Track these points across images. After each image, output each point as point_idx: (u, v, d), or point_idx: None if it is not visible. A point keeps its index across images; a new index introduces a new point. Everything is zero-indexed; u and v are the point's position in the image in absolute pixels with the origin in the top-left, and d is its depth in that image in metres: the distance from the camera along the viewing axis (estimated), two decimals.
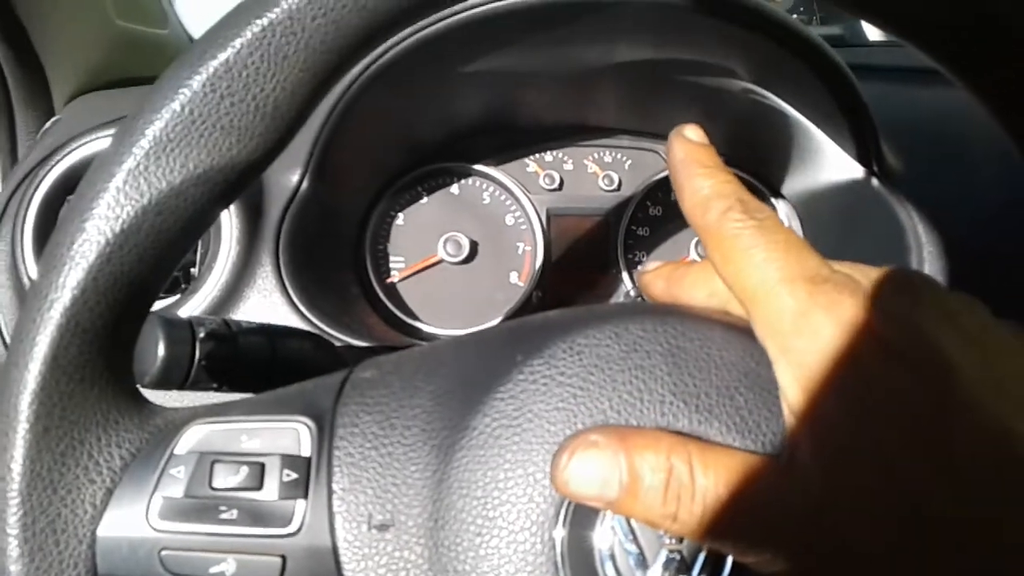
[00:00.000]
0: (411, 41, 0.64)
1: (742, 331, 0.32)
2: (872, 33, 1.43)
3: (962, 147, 0.73)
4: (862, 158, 0.69)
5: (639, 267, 0.36)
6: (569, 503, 0.30)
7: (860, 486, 0.26)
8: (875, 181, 0.69)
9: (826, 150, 0.72)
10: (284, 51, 0.31)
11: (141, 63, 0.88)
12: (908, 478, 0.26)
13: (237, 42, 0.31)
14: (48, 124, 0.81)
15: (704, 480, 0.27)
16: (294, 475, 0.32)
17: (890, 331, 0.27)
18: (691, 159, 0.34)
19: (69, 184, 0.69)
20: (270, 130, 0.32)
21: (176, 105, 0.31)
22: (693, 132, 0.35)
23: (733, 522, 0.27)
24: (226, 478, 0.32)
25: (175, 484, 0.32)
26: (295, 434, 0.33)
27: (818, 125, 0.71)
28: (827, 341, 0.27)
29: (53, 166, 0.69)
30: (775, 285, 0.29)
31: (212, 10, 1.02)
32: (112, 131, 0.69)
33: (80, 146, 0.70)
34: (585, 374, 0.32)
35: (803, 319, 0.28)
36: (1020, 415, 0.26)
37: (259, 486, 0.32)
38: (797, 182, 0.80)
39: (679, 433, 0.30)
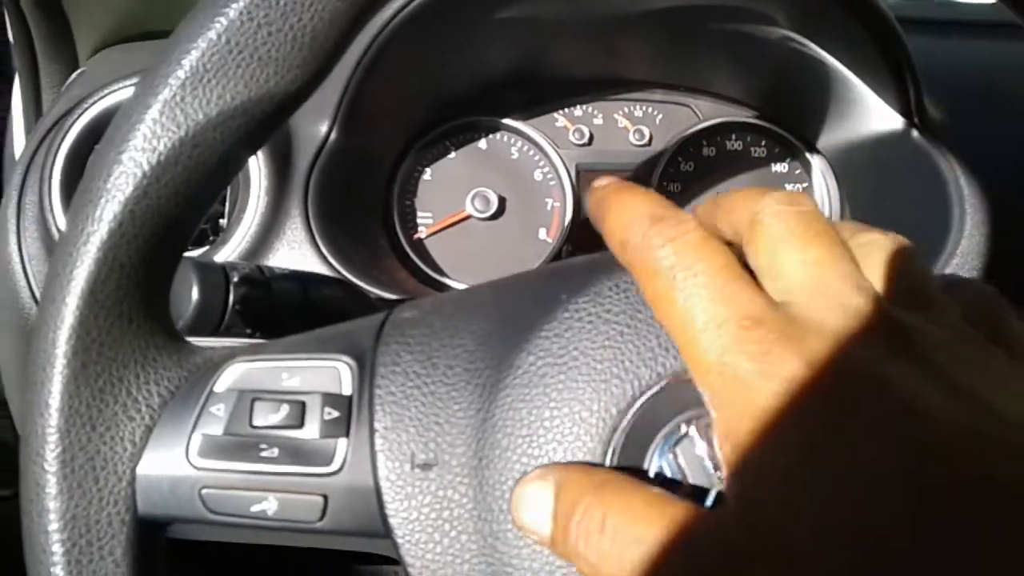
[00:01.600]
0: None
1: None
2: None
3: (1006, 100, 0.72)
4: (903, 109, 0.68)
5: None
6: (617, 441, 0.29)
7: (797, 537, 0.22)
8: (916, 133, 0.68)
9: (866, 101, 0.70)
10: None
11: (164, 17, 0.87)
12: (850, 533, 0.22)
13: None
14: (73, 76, 0.81)
15: (619, 524, 0.25)
16: (335, 413, 0.31)
17: (844, 384, 0.23)
18: (603, 197, 0.31)
19: (95, 134, 0.68)
20: (308, 61, 0.31)
21: (212, 34, 0.30)
22: (602, 180, 0.32)
23: (648, 567, 0.24)
24: (266, 416, 0.31)
25: (215, 422, 0.31)
26: (335, 372, 0.32)
27: (859, 75, 0.69)
28: (760, 398, 0.24)
29: (79, 117, 0.69)
30: (701, 329, 0.25)
31: None
32: (137, 81, 0.68)
33: (105, 96, 0.69)
34: (632, 311, 0.31)
35: (729, 370, 0.24)
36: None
37: (300, 424, 0.31)
38: (834, 135, 0.78)
39: (614, 473, 0.28)
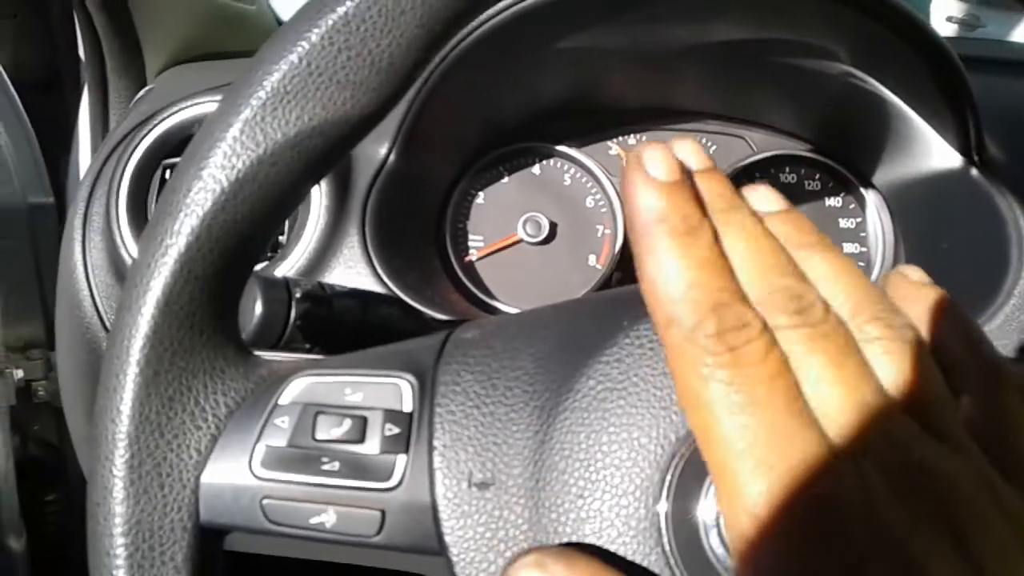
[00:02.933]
0: (503, 17, 0.64)
1: None
2: (942, 31, 1.41)
3: None
4: (963, 147, 0.67)
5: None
6: (675, 470, 0.29)
7: None
8: (975, 171, 0.67)
9: (925, 138, 0.69)
10: (402, 6, 0.31)
11: (229, 38, 0.90)
12: None
13: None
14: (141, 93, 0.83)
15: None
16: (396, 430, 0.32)
17: (865, 549, 0.21)
18: (651, 226, 0.25)
19: (163, 150, 0.70)
20: (384, 85, 0.32)
21: (294, 57, 0.31)
22: (658, 163, 0.26)
23: None
24: (329, 430, 0.32)
25: (279, 434, 0.32)
26: (397, 390, 0.33)
27: (918, 111, 0.69)
28: (785, 560, 0.22)
29: (147, 133, 0.70)
30: (744, 474, 0.22)
31: None
32: (202, 99, 0.70)
33: (173, 114, 0.71)
34: None
35: (764, 530, 0.22)
36: None
37: (361, 439, 0.32)
38: (890, 171, 0.77)
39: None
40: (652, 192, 0.25)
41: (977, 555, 0.21)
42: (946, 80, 0.62)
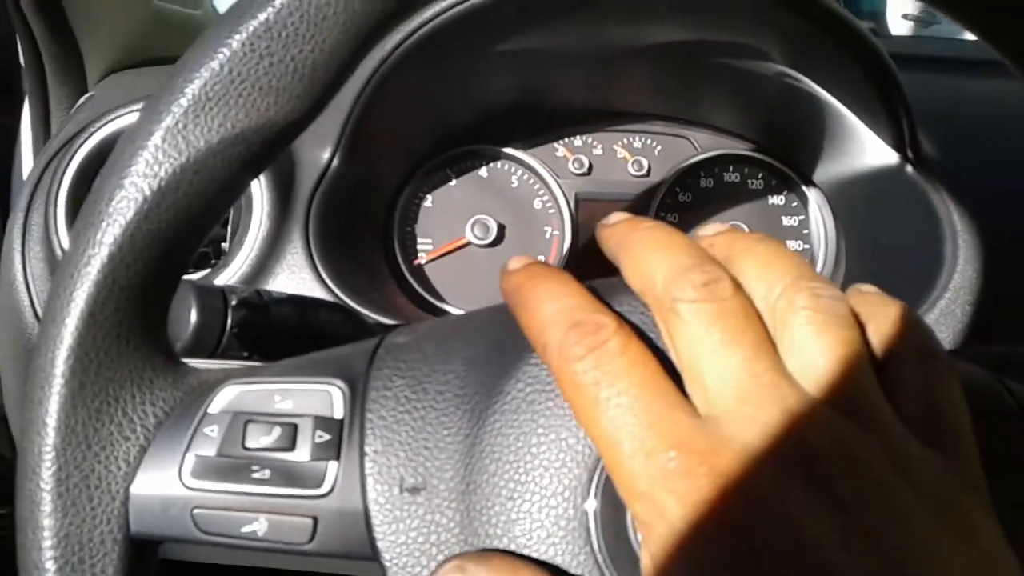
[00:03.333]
0: (444, 18, 0.64)
1: None
2: (900, 29, 1.43)
3: (999, 136, 0.72)
4: (897, 144, 0.68)
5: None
6: (603, 469, 0.30)
7: None
8: (910, 168, 0.69)
9: (861, 136, 0.71)
10: (324, 12, 0.31)
11: (173, 43, 0.89)
12: None
13: (277, 2, 0.31)
14: (82, 100, 0.82)
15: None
16: (326, 436, 0.32)
17: (750, 522, 0.23)
18: (517, 287, 0.30)
19: (102, 157, 0.69)
20: (308, 92, 0.32)
21: (215, 64, 0.31)
22: (516, 261, 0.32)
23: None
24: (259, 438, 0.32)
25: (208, 443, 0.32)
26: (328, 396, 0.33)
27: (853, 111, 0.70)
28: (676, 528, 0.23)
29: (86, 140, 0.70)
30: (627, 458, 0.25)
31: None
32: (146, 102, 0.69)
33: (112, 120, 0.70)
34: None
35: (657, 507, 0.24)
36: None
37: (292, 447, 0.32)
38: (830, 169, 0.79)
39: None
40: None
41: (873, 526, 0.23)
42: (878, 79, 0.63)
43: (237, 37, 0.31)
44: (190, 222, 0.32)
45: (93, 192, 0.32)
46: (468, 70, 0.74)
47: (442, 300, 0.82)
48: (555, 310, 0.28)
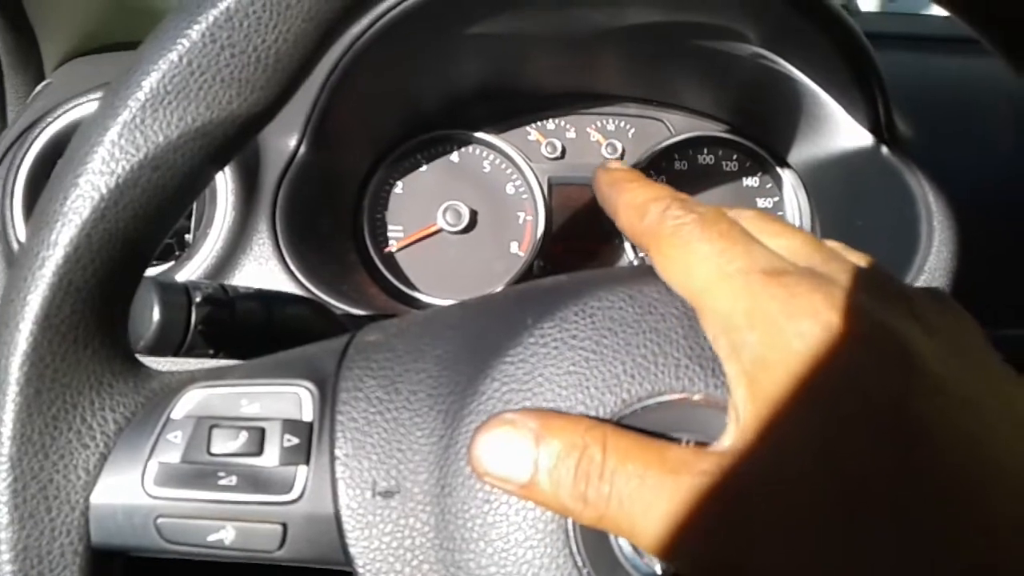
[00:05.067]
0: (411, 3, 0.62)
1: None
2: (869, 4, 1.43)
3: (974, 116, 0.72)
4: (873, 126, 0.68)
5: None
6: None
7: (799, 476, 0.24)
8: (885, 149, 0.68)
9: (836, 117, 0.70)
10: (287, 0, 0.30)
11: (133, 28, 0.86)
12: (855, 474, 0.23)
13: None
14: (38, 88, 0.80)
15: (617, 460, 0.26)
16: (295, 440, 0.31)
17: (858, 324, 0.25)
18: (618, 179, 0.33)
19: (59, 148, 0.67)
20: (272, 83, 0.31)
21: (174, 55, 0.29)
22: (615, 163, 0.35)
23: (643, 505, 0.25)
24: (225, 443, 0.31)
25: (172, 449, 0.31)
26: (296, 398, 0.32)
27: (828, 92, 0.70)
28: (784, 336, 0.25)
29: (43, 130, 0.68)
30: (726, 278, 0.27)
31: None
32: (103, 94, 0.67)
33: (70, 109, 0.68)
34: (598, 337, 0.30)
35: (758, 313, 0.26)
36: (994, 435, 0.24)
37: (259, 451, 0.31)
38: (804, 150, 0.79)
39: (599, 420, 0.28)
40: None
41: (951, 345, 0.26)
42: (854, 61, 0.63)
43: (196, 27, 0.29)
44: (150, 220, 0.31)
45: (47, 191, 0.30)
46: (437, 54, 0.73)
47: (414, 288, 0.80)
48: (659, 192, 0.31)
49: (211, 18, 0.29)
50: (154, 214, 0.31)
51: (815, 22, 0.61)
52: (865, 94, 0.65)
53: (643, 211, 0.31)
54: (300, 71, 0.31)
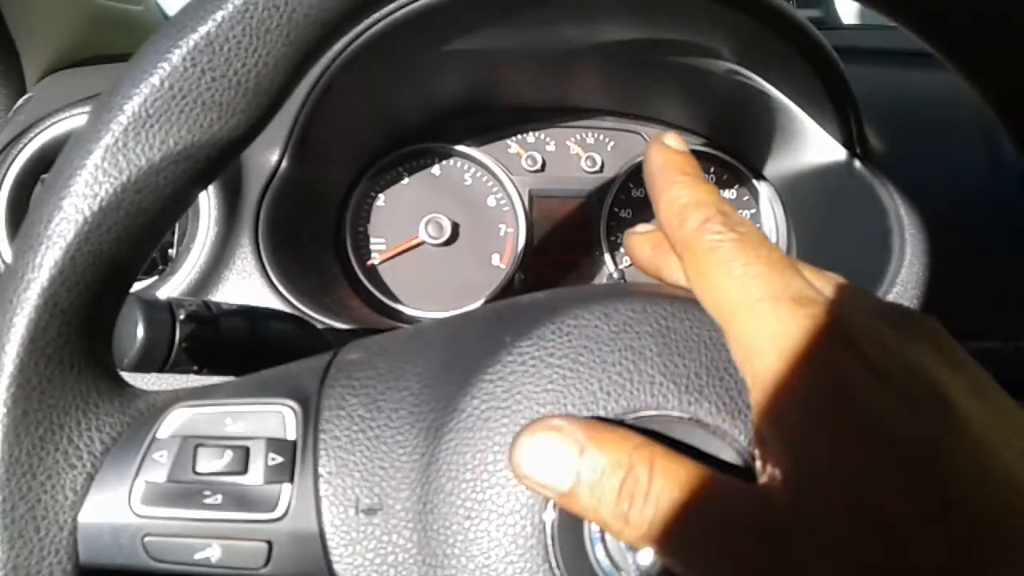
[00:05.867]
0: (391, 20, 0.63)
1: None
2: (847, 17, 1.44)
3: (945, 130, 0.74)
4: (845, 140, 0.69)
5: (626, 231, 0.37)
6: None
7: (837, 518, 0.24)
8: (858, 163, 0.70)
9: (809, 132, 0.72)
10: (267, 24, 0.30)
11: (114, 40, 0.87)
12: (894, 516, 0.23)
13: (219, 15, 0.30)
14: (20, 102, 0.80)
15: (663, 484, 0.26)
16: (279, 459, 0.31)
17: (884, 359, 0.25)
18: (670, 166, 0.32)
19: (42, 163, 0.68)
20: (252, 106, 0.31)
21: (155, 80, 0.30)
22: (673, 139, 0.33)
23: (686, 532, 0.25)
24: (210, 462, 0.31)
25: (158, 469, 0.31)
26: (280, 417, 0.32)
27: (802, 107, 0.71)
28: (812, 365, 0.25)
29: (26, 145, 0.68)
30: (756, 303, 0.27)
31: None
32: (85, 108, 0.68)
33: (53, 124, 0.68)
34: (575, 355, 0.31)
35: (786, 340, 0.26)
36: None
37: (244, 470, 0.31)
38: (780, 164, 0.80)
39: (647, 439, 0.28)
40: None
41: (915, 394, 0.25)
42: (826, 77, 0.64)
43: (178, 51, 0.30)
44: (134, 241, 0.31)
45: (31, 213, 0.31)
46: (418, 70, 0.73)
47: (397, 300, 0.81)
48: (706, 196, 0.31)
49: (192, 43, 0.30)
50: (138, 235, 0.31)
51: (787, 40, 0.62)
52: (837, 110, 0.67)
53: (684, 216, 0.30)
54: (280, 94, 0.32)
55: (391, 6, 0.61)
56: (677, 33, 0.68)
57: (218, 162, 0.32)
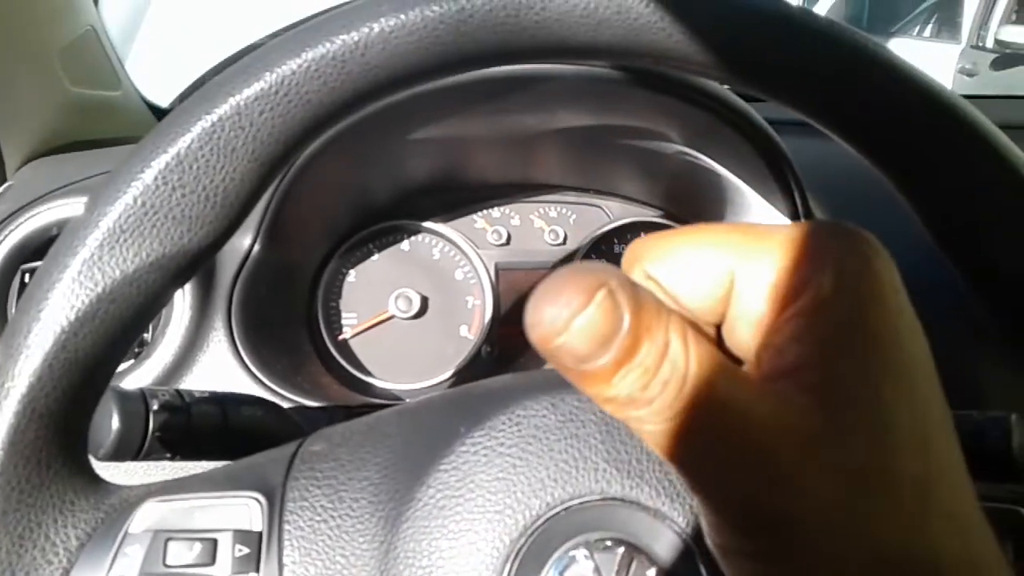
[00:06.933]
0: (359, 115, 0.66)
1: None
2: None
3: (891, 198, 0.76)
4: (791, 214, 0.73)
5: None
6: (510, 569, 0.32)
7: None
8: None
9: (756, 205, 0.75)
10: (233, 144, 0.33)
11: (93, 126, 0.89)
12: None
13: (187, 137, 0.33)
14: (0, 190, 0.82)
15: (696, 368, 0.23)
16: (246, 550, 0.33)
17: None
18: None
19: (23, 253, 0.69)
20: (220, 217, 0.34)
21: (129, 198, 0.32)
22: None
23: (711, 432, 0.23)
24: (180, 555, 0.33)
25: (130, 563, 0.33)
26: (247, 509, 0.34)
27: (748, 183, 0.74)
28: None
29: (7, 236, 0.69)
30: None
31: (164, 70, 1.03)
32: (65, 200, 0.70)
33: (33, 216, 0.70)
34: (524, 444, 0.34)
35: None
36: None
37: (212, 562, 0.33)
38: None
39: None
40: None
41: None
42: (769, 156, 0.68)
43: (149, 171, 0.33)
44: (109, 346, 0.34)
45: (10, 324, 0.33)
46: (386, 154, 0.76)
47: (368, 374, 0.83)
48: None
49: (163, 162, 0.33)
50: (113, 341, 0.34)
51: (729, 124, 0.65)
52: (782, 186, 0.70)
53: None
54: (247, 204, 0.35)
55: None
56: (628, 120, 0.71)
57: (189, 269, 0.35)
